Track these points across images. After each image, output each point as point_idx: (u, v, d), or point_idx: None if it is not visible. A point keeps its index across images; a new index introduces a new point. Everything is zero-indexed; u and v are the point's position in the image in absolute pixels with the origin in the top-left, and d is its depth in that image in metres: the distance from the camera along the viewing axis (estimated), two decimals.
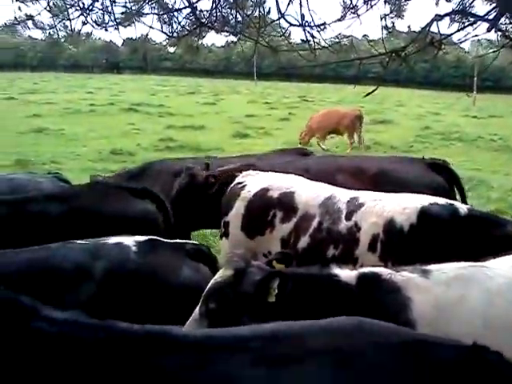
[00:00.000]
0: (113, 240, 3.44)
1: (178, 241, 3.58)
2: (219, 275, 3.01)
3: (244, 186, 4.85)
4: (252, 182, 4.85)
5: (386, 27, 4.14)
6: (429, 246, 3.90)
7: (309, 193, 4.53)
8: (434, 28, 4.18)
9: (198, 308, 2.98)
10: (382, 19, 4.09)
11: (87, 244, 3.40)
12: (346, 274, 3.17)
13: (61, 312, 2.16)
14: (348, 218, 4.22)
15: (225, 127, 22.55)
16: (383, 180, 5.71)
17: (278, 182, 4.75)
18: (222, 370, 2.01)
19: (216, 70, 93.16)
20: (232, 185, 4.98)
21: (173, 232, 4.59)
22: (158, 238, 3.62)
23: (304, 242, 4.31)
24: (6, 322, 2.05)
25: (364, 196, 4.38)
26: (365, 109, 31.69)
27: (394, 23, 4.16)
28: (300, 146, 8.31)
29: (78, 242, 3.43)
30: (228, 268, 3.01)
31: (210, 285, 3.00)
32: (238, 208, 4.73)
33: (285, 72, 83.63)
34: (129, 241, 3.41)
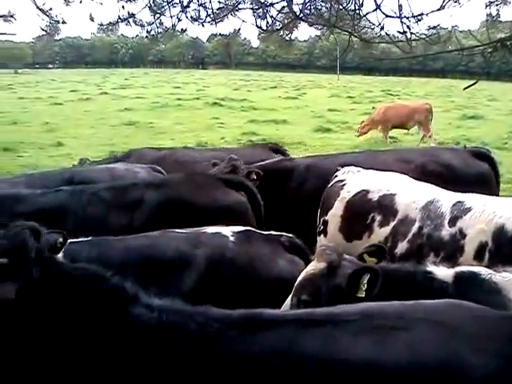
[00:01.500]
0: (211, 230, 3.53)
1: (273, 232, 3.62)
2: (312, 267, 3.01)
3: (344, 184, 4.70)
4: (352, 182, 4.68)
5: (490, 15, 3.92)
6: None
7: (410, 195, 4.27)
8: None
9: (289, 298, 3.00)
10: (486, 7, 3.88)
11: (187, 233, 3.52)
12: (442, 271, 3.06)
13: (159, 299, 2.26)
14: (452, 223, 3.91)
15: (307, 121, 22.45)
16: (431, 169, 5.49)
17: (378, 183, 4.51)
18: (325, 339, 2.03)
19: (298, 64, 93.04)
20: (333, 182, 4.82)
21: (262, 224, 4.67)
22: (254, 229, 3.69)
23: (402, 247, 4.06)
24: (107, 308, 2.17)
25: (471, 200, 4.04)
26: (454, 103, 30.42)
27: (498, 11, 3.92)
28: (273, 142, 8.08)
29: (177, 231, 3.56)
30: (321, 260, 3.00)
31: (302, 276, 3.01)
32: (337, 208, 4.59)
33: (368, 66, 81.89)
34: (226, 231, 3.49)
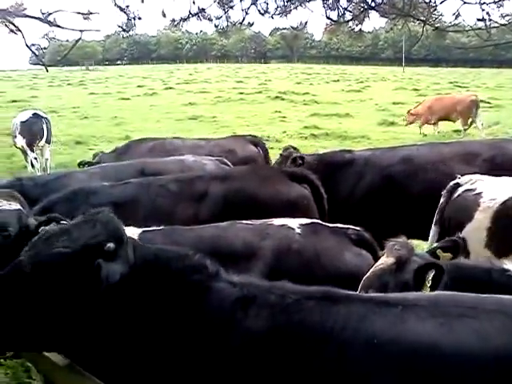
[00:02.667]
0: (277, 222, 3.53)
1: (339, 225, 3.57)
2: (381, 262, 2.96)
3: (479, 193, 4.12)
4: (491, 189, 4.09)
5: None
6: None
7: None
8: None
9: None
10: None
11: (254, 224, 3.54)
12: None
13: (237, 276, 2.37)
14: None
15: (371, 115, 22.04)
16: (500, 162, 5.08)
17: None
18: (393, 319, 2.04)
19: (362, 56, 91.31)
20: (458, 192, 4.32)
21: (325, 217, 4.62)
22: (321, 222, 3.66)
23: None
24: (193, 283, 2.28)
25: None
26: None
27: None
28: (251, 134, 7.92)
29: (245, 222, 3.58)
30: (390, 256, 2.95)
31: (370, 271, 2.97)
32: (480, 221, 3.96)
33: (435, 57, 79.17)
34: (293, 223, 3.48)
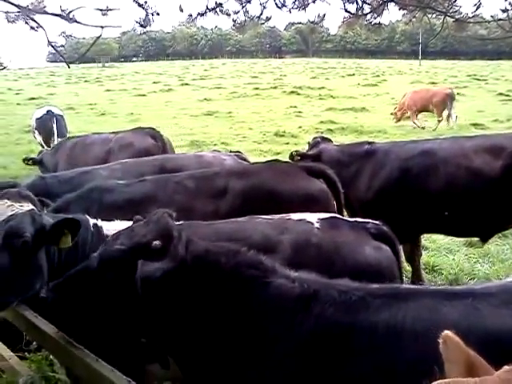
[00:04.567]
0: (296, 216, 3.50)
1: (359, 219, 3.55)
2: None
3: None
4: None
5: None
6: None
7: None
8: None
9: None
10: None
11: (273, 219, 3.52)
12: None
13: (293, 272, 2.35)
14: None
15: (387, 109, 21.79)
16: None
17: None
18: (467, 309, 2.02)
19: (378, 50, 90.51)
20: None
21: (342, 211, 4.60)
22: (340, 216, 3.64)
23: None
24: (250, 279, 2.27)
25: None
26: None
27: None
28: (151, 126, 8.00)
29: (263, 217, 3.55)
30: None
31: None
32: None
33: (452, 50, 78.29)
34: (312, 217, 3.44)
